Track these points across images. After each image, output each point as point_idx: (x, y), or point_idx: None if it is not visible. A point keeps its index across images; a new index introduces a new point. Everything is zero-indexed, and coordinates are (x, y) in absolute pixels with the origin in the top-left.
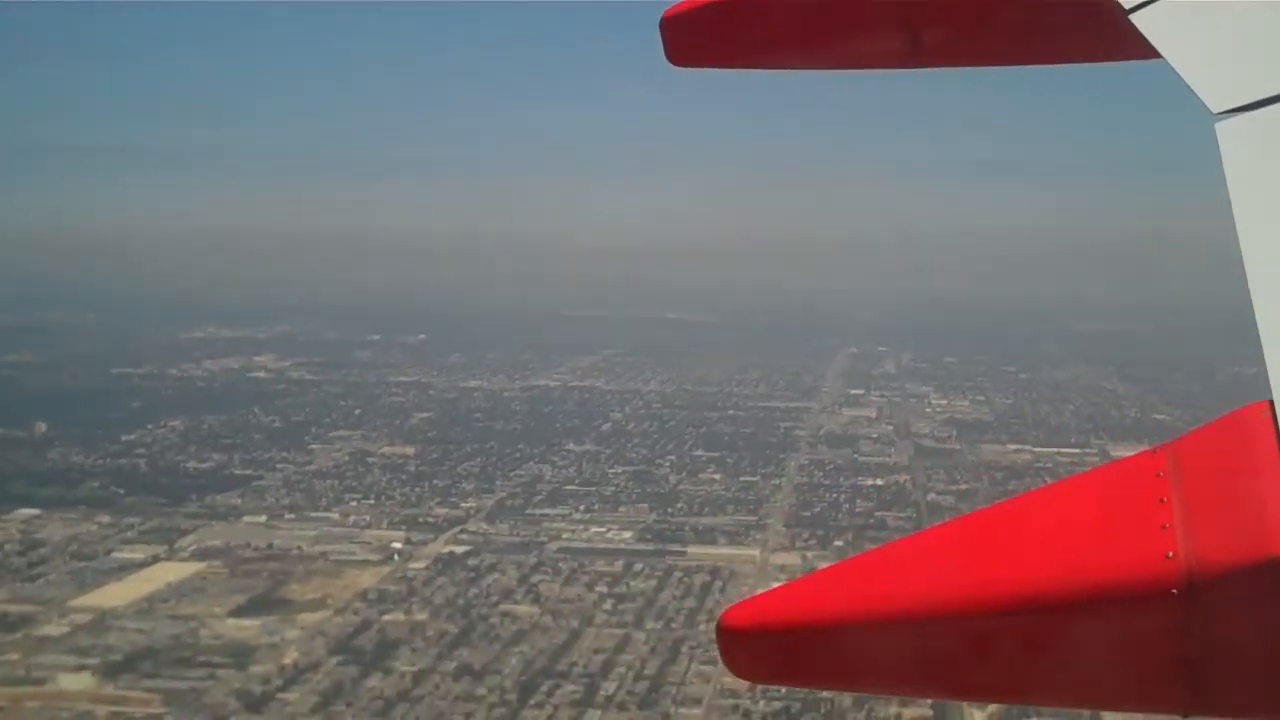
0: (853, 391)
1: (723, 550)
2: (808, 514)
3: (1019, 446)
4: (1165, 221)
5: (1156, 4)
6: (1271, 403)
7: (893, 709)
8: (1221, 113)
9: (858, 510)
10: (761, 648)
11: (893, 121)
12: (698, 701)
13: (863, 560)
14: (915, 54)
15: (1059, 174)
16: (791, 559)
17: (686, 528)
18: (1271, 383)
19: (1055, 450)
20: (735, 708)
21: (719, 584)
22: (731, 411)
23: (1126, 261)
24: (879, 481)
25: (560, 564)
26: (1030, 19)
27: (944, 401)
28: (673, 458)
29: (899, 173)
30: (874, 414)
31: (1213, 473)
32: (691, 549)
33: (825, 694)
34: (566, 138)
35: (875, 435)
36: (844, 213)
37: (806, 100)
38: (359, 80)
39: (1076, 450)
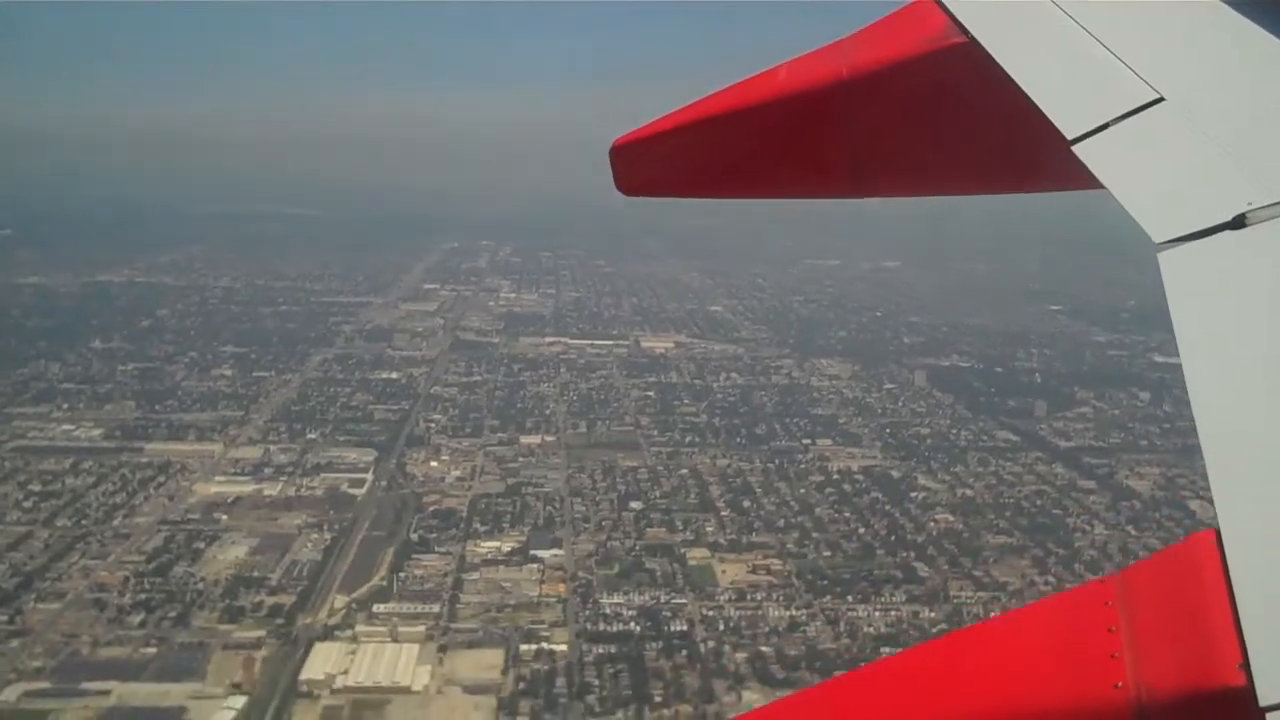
0: (427, 286)
1: (183, 446)
2: (297, 409)
3: (555, 339)
4: None
5: (1098, 136)
6: (1218, 531)
7: None
8: (1164, 243)
9: (352, 404)
10: None
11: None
12: (62, 596)
13: (810, 695)
14: (861, 186)
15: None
16: (253, 452)
17: (163, 424)
18: (1218, 513)
19: (588, 342)
20: (97, 601)
21: (160, 479)
22: (286, 306)
23: None
24: (393, 375)
25: (6, 463)
26: (975, 152)
27: (513, 295)
28: (195, 354)
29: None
30: (433, 308)
31: (1160, 602)
32: (152, 446)
33: None
34: (218, 22)
35: (420, 329)
36: (494, 106)
37: None
38: None
39: (608, 342)
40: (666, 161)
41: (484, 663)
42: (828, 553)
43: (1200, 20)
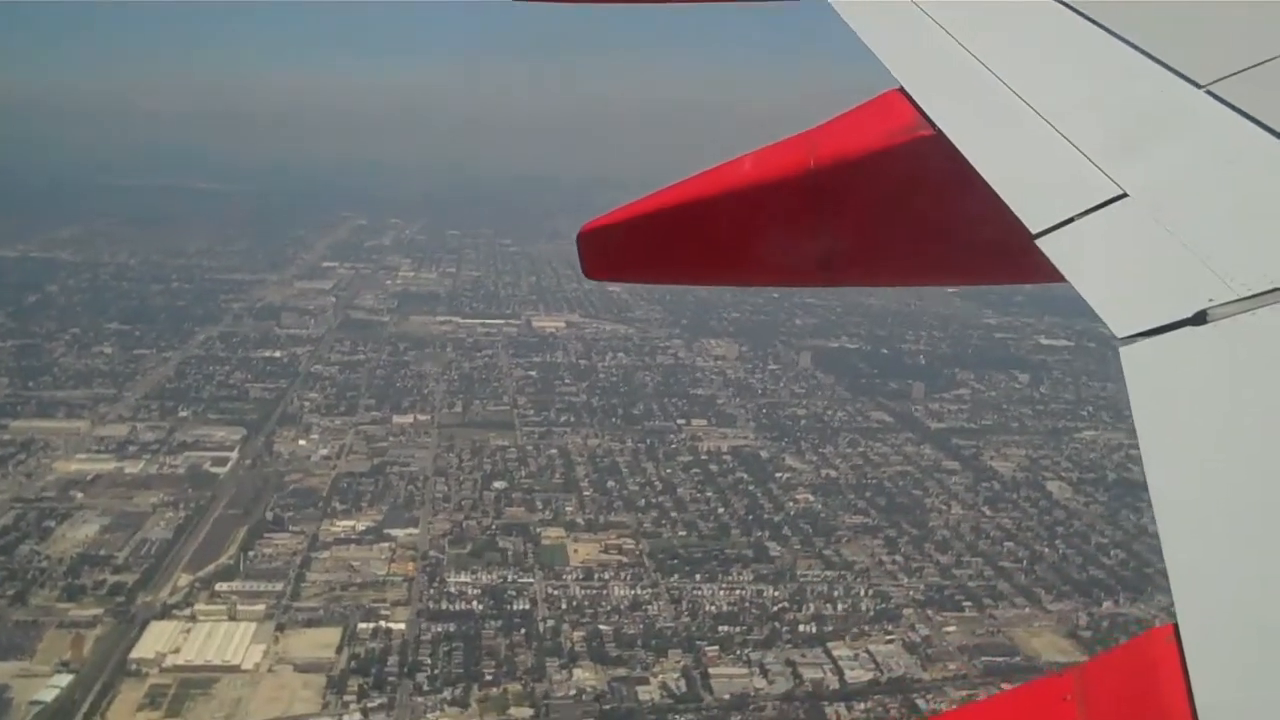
0: (326, 264)
1: (50, 424)
2: (172, 386)
3: (446, 319)
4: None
5: (1062, 230)
6: (1176, 626)
7: None
8: (1126, 337)
9: (229, 383)
10: None
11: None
12: None
13: None
14: (826, 275)
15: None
16: (120, 430)
17: (33, 401)
18: (1177, 609)
19: (479, 322)
20: None
21: (21, 457)
22: (178, 283)
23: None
24: (276, 353)
25: None
26: (942, 243)
27: (412, 274)
28: (77, 331)
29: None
30: (329, 286)
31: (1118, 698)
32: (18, 423)
33: None
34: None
35: (311, 308)
36: (420, 82)
37: None
38: None
39: (500, 321)
40: (632, 248)
41: (320, 641)
42: (683, 532)
43: (1162, 117)
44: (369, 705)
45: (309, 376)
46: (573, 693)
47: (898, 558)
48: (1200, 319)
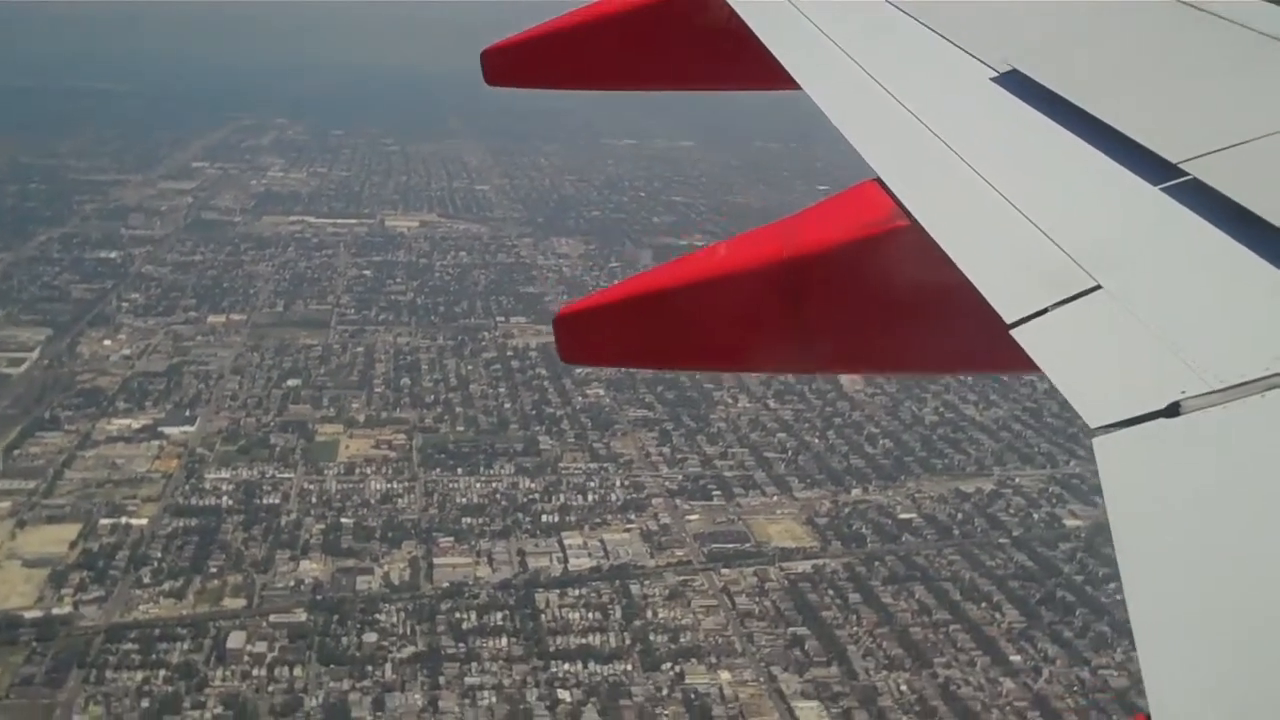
0: (195, 164)
1: None
2: None
3: (299, 218)
4: None
5: (1036, 320)
6: (1148, 715)
7: None
8: (1099, 428)
9: (54, 284)
10: None
11: None
12: None
13: None
14: (802, 363)
15: None
16: None
17: None
18: (1150, 702)
19: (330, 222)
20: None
21: None
22: (36, 185)
23: None
24: (112, 255)
25: None
26: (917, 333)
27: (281, 174)
28: None
29: None
30: (190, 187)
31: None
32: None
33: None
34: None
35: (164, 208)
36: None
37: None
38: None
39: (352, 221)
40: (606, 333)
41: (57, 537)
42: (461, 428)
43: (1136, 210)
44: (84, 598)
45: (138, 277)
46: (291, 583)
47: (665, 449)
48: (1173, 411)
